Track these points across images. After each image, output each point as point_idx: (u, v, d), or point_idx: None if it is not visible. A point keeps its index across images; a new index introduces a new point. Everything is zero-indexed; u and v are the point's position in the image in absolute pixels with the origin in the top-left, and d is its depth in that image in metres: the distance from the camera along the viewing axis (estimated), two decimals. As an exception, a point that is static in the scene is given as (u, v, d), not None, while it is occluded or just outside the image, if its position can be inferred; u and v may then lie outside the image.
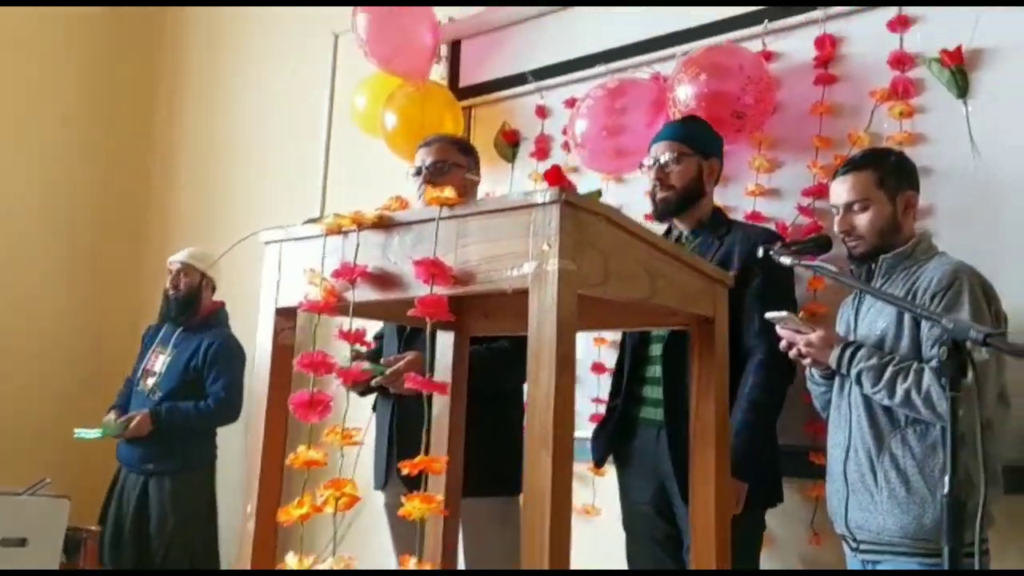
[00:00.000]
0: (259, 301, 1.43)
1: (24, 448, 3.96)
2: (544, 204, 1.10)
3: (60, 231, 4.44)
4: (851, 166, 1.91)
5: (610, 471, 2.40)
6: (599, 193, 1.71)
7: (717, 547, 1.37)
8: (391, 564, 2.29)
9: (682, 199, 2.20)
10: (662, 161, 2.20)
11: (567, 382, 1.06)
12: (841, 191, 1.90)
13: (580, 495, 2.67)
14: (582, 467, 2.61)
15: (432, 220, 1.21)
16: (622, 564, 2.23)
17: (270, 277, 1.40)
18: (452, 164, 2.32)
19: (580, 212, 1.12)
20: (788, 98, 2.47)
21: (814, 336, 1.80)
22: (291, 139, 3.95)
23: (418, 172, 2.33)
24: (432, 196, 1.21)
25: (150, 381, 3.37)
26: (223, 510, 3.38)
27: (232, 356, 3.39)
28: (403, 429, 2.25)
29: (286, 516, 1.14)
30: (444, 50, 3.30)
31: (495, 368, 2.02)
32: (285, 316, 1.40)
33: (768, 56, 2.51)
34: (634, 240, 1.24)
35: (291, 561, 1.12)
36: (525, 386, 2.42)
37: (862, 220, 1.86)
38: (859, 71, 2.36)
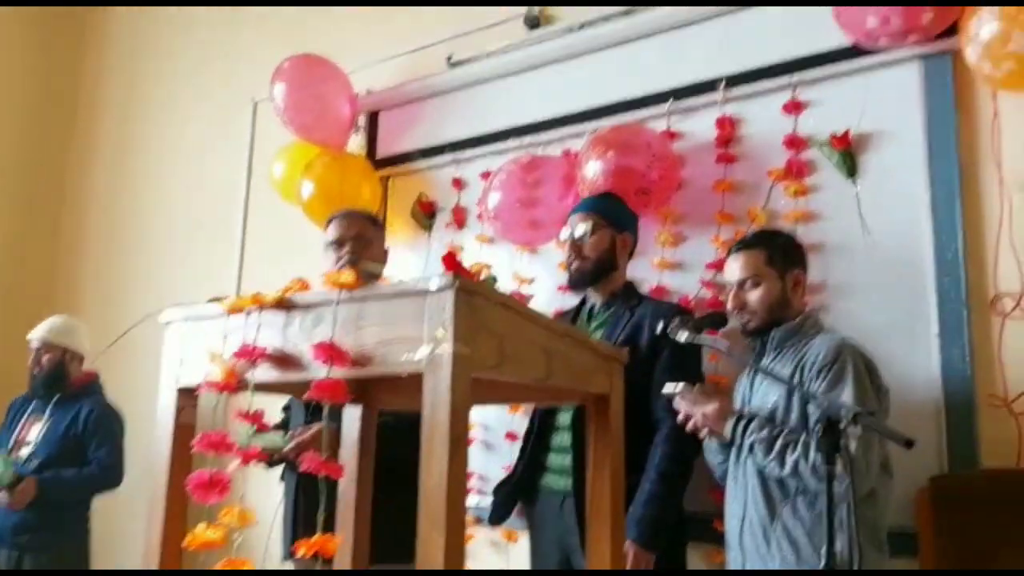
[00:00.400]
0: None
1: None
2: (439, 290, 1.14)
3: None
4: (743, 245, 2.01)
5: (523, 536, 2.42)
6: (494, 279, 1.76)
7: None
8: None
9: (596, 269, 2.28)
10: (576, 234, 2.28)
11: (459, 463, 1.09)
12: (734, 268, 2.00)
13: (492, 562, 2.67)
14: (496, 534, 2.62)
15: (330, 303, 1.23)
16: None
17: (171, 356, 1.41)
18: (370, 239, 2.38)
19: (474, 297, 1.16)
20: (692, 175, 2.58)
21: (709, 409, 1.87)
22: (208, 201, 3.93)
23: (337, 244, 2.35)
24: (332, 279, 1.24)
25: (24, 451, 3.28)
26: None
27: (111, 423, 3.38)
28: (308, 502, 2.23)
29: (175, 601, 1.14)
30: (362, 120, 3.36)
31: (403, 440, 2.03)
32: (186, 395, 1.39)
33: (672, 135, 2.63)
34: (528, 323, 1.28)
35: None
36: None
37: (753, 296, 1.96)
38: (757, 151, 2.49)
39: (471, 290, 1.15)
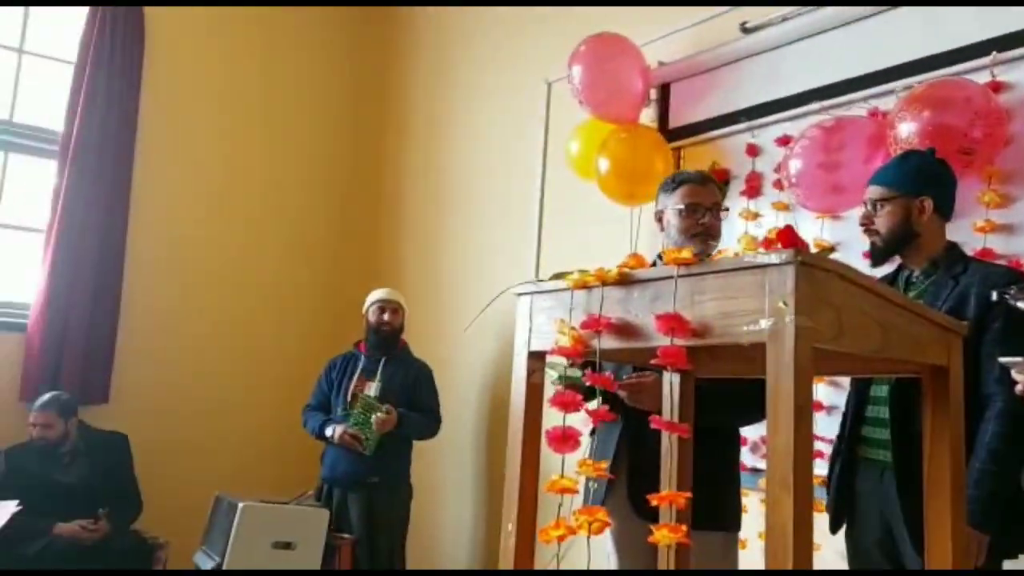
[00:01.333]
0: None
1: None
2: (779, 264, 1.20)
3: (302, 263, 5.05)
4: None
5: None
6: (831, 249, 1.75)
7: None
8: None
9: (888, 244, 2.17)
10: (868, 207, 2.20)
11: (805, 430, 1.15)
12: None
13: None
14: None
15: (670, 278, 1.34)
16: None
17: (523, 324, 1.59)
18: (721, 208, 2.38)
19: (814, 270, 1.21)
20: (1021, 130, 2.39)
21: (1051, 381, 1.75)
22: (507, 179, 4.23)
23: (691, 209, 2.32)
24: (671, 257, 1.34)
25: None
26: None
27: (434, 381, 3.91)
28: (635, 455, 2.30)
29: (546, 536, 1.31)
30: (653, 93, 3.43)
31: (718, 407, 2.08)
32: (535, 359, 1.58)
33: (997, 87, 2.44)
34: (866, 294, 1.30)
35: (553, 579, 1.30)
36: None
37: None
38: (1100, 99, 2.26)
39: (812, 263, 1.20)
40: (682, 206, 2.34)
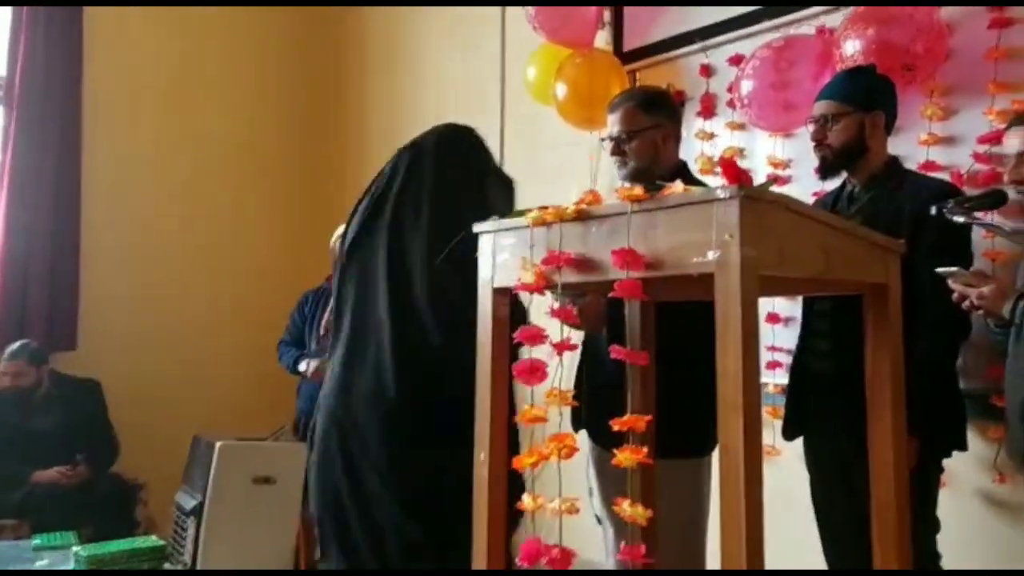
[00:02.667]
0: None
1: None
2: (725, 199, 1.26)
3: (266, 195, 5.10)
4: (1027, 116, 1.92)
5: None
6: (770, 183, 1.80)
7: (897, 503, 1.52)
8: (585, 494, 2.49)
9: (840, 158, 2.22)
10: (819, 122, 2.23)
11: (752, 354, 1.23)
12: (1015, 142, 1.91)
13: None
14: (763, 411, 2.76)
15: (624, 214, 1.40)
16: (806, 503, 2.37)
17: (486, 262, 1.65)
18: (636, 131, 2.31)
19: (757, 203, 1.27)
20: (961, 43, 2.45)
21: (986, 289, 1.84)
22: (466, 109, 4.21)
23: (609, 140, 2.36)
24: (625, 193, 1.39)
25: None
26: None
27: None
28: (589, 383, 2.34)
29: (519, 464, 1.40)
30: (607, 16, 3.43)
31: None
32: (501, 294, 1.64)
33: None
34: (808, 221, 1.38)
35: (527, 501, 1.38)
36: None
37: (1037, 170, 1.88)
38: (1038, 10, 2.32)
39: (755, 196, 1.26)
40: (603, 137, 2.41)
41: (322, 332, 3.83)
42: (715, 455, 2.44)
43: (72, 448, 3.76)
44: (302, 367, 3.78)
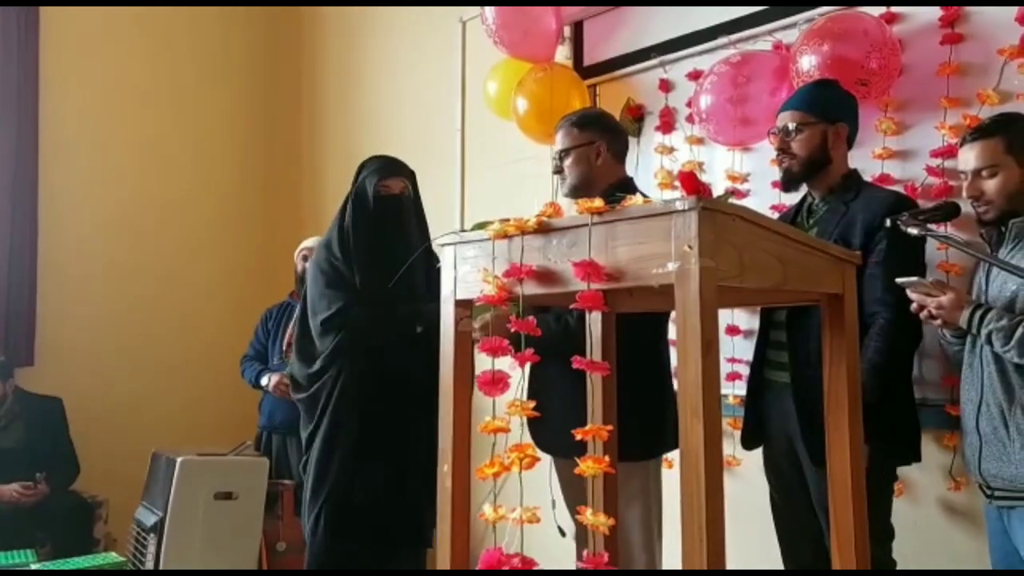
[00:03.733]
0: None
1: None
2: (684, 211, 1.28)
3: (230, 213, 5.04)
4: (979, 133, 1.96)
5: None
6: (729, 195, 1.83)
7: (855, 508, 1.55)
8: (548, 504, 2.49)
9: (805, 168, 2.25)
10: (784, 131, 2.26)
11: (711, 362, 1.25)
12: (969, 157, 1.96)
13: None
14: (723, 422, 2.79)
15: (585, 226, 1.41)
16: (765, 512, 2.39)
17: (448, 274, 1.65)
18: (570, 148, 2.41)
19: (716, 214, 1.29)
20: (914, 60, 2.50)
21: (944, 299, 1.88)
22: (427, 123, 4.22)
23: (552, 159, 2.49)
24: (584, 206, 1.41)
25: None
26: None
27: None
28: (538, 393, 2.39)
29: (482, 474, 1.40)
30: (567, 31, 3.46)
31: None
32: (463, 307, 1.64)
33: (891, 18, 2.55)
34: (766, 233, 1.40)
35: (488, 511, 1.38)
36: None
37: (991, 185, 1.92)
38: (986, 29, 2.37)
39: (714, 208, 1.28)
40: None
41: (285, 347, 3.80)
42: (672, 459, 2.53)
43: (33, 466, 3.69)
44: (264, 381, 3.74)
